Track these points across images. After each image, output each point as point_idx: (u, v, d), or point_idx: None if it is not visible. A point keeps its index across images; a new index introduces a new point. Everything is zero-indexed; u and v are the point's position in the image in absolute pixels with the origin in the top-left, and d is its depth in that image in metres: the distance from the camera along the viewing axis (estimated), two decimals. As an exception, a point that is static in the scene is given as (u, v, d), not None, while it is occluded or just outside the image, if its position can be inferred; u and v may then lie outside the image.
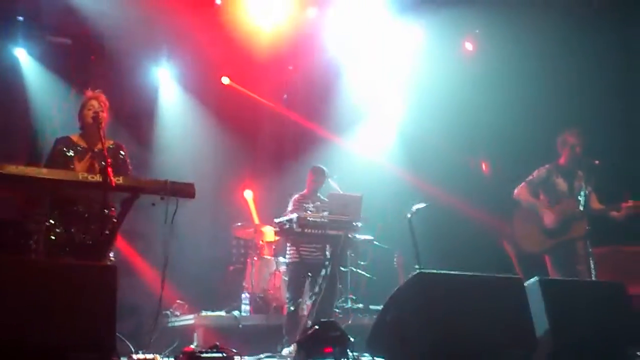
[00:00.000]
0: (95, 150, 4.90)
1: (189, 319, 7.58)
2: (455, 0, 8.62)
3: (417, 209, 6.15)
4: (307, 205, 6.69)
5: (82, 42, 8.71)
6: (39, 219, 4.88)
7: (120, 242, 6.63)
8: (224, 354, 4.35)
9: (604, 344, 4.39)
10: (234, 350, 4.52)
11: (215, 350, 4.37)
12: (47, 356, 3.16)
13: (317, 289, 6.17)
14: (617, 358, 4.47)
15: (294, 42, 9.21)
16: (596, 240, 6.07)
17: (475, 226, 8.91)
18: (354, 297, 8.27)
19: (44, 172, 4.22)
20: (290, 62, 10.06)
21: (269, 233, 8.46)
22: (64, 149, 4.90)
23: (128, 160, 5.10)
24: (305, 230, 6.02)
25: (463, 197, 9.17)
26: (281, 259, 7.91)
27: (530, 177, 6.50)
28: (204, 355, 4.31)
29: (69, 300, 3.30)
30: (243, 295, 8.11)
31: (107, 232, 4.48)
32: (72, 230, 4.74)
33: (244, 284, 8.32)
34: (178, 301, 8.04)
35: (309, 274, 6.71)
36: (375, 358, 4.42)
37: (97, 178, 4.23)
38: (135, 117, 9.08)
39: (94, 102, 4.98)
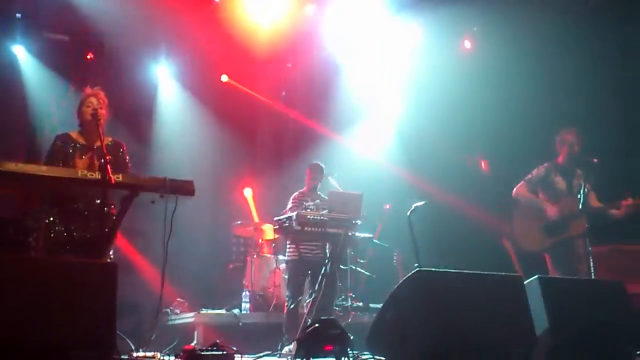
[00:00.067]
0: (95, 147, 4.90)
1: (189, 317, 7.59)
2: (453, -1, 8.62)
3: (416, 207, 6.13)
4: (306, 203, 6.69)
5: (80, 39, 8.70)
6: (39, 216, 4.88)
7: (120, 240, 6.63)
8: (224, 352, 4.35)
9: (603, 342, 4.40)
10: (234, 348, 4.52)
11: (215, 348, 4.37)
12: (47, 354, 3.15)
13: (317, 287, 6.16)
14: (616, 356, 4.48)
15: (293, 40, 9.20)
16: (596, 238, 6.07)
17: (474, 224, 8.91)
18: (353, 295, 8.27)
19: (43, 170, 4.22)
20: (289, 59, 10.06)
21: (268, 231, 8.46)
22: (64, 145, 4.89)
23: (127, 158, 5.09)
24: (305, 228, 6.01)
25: (462, 196, 9.17)
26: (281, 257, 7.90)
27: (529, 176, 6.50)
28: (204, 353, 4.31)
29: (69, 298, 3.29)
30: (243, 293, 8.11)
31: (106, 229, 4.47)
32: (72, 227, 4.73)
33: (243, 282, 8.33)
34: (178, 299, 8.04)
35: (309, 272, 6.71)
36: (375, 356, 4.42)
37: (97, 175, 4.23)
38: (134, 114, 9.08)
39: (93, 99, 4.97)
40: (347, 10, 9.16)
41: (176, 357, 4.61)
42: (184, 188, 4.47)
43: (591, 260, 5.84)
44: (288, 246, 6.93)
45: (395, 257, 8.60)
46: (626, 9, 7.78)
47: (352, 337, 4.52)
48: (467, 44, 9.73)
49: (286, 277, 7.25)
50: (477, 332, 4.00)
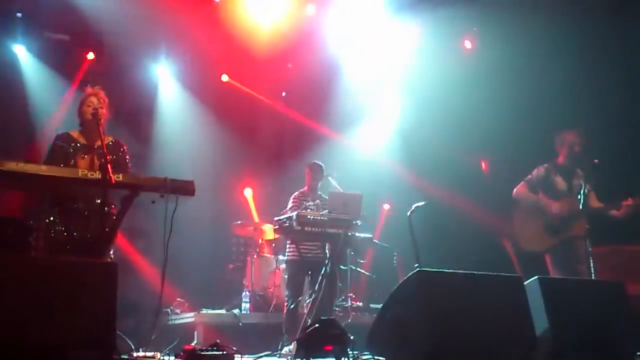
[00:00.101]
0: (95, 146, 4.90)
1: (189, 317, 7.59)
2: (453, -1, 8.63)
3: (417, 207, 6.13)
4: (307, 203, 6.69)
5: (81, 38, 8.70)
6: (39, 216, 4.88)
7: (120, 240, 6.64)
8: (224, 352, 4.35)
9: (603, 343, 4.39)
10: (234, 348, 4.52)
11: (215, 348, 4.37)
12: (47, 354, 3.15)
13: (316, 287, 6.16)
14: (616, 357, 4.47)
15: (293, 40, 9.20)
16: (596, 239, 6.07)
17: (474, 225, 8.91)
18: (353, 296, 8.27)
19: (43, 169, 4.21)
20: (289, 59, 10.05)
21: (268, 231, 8.46)
22: (64, 145, 4.89)
23: (128, 157, 5.09)
24: (305, 229, 6.01)
25: (462, 196, 9.17)
26: (281, 257, 7.91)
27: (529, 176, 6.50)
28: (204, 353, 4.31)
29: (69, 297, 3.29)
30: (243, 293, 8.11)
31: (107, 229, 4.47)
32: (72, 227, 4.74)
33: (244, 282, 8.33)
34: (178, 299, 8.04)
35: (309, 272, 6.71)
36: (375, 356, 4.42)
37: (97, 175, 4.23)
38: (135, 114, 9.08)
39: (93, 99, 4.98)
40: (348, 10, 9.16)
41: (176, 357, 4.61)
42: (184, 188, 4.47)
43: (591, 260, 5.83)
44: (288, 246, 6.93)
45: (395, 258, 8.60)
46: (629, 8, 7.78)
47: (352, 337, 4.52)
48: (468, 44, 9.74)
49: (286, 277, 7.25)
50: (477, 333, 4.00)
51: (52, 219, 4.75)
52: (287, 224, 6.12)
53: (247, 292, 8.10)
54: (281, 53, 9.43)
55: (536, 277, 4.47)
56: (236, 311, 7.85)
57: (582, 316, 4.40)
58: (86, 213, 4.76)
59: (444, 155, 9.40)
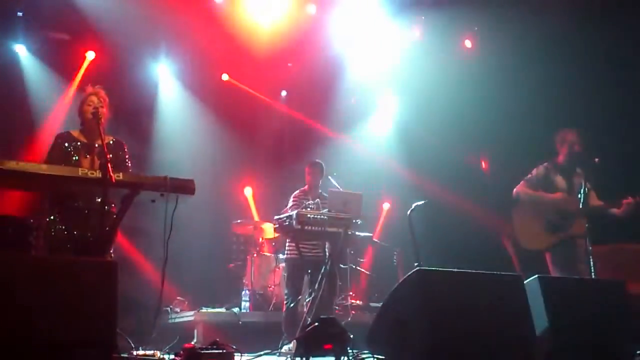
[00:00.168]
0: (96, 145, 4.90)
1: (189, 316, 7.59)
2: (453, -1, 8.63)
3: (416, 206, 6.13)
4: (307, 202, 6.70)
5: (81, 38, 8.70)
6: (39, 215, 4.88)
7: (120, 239, 6.63)
8: (224, 351, 4.35)
9: (603, 342, 4.39)
10: (234, 347, 4.52)
11: (215, 346, 4.37)
12: (47, 353, 3.16)
13: (316, 286, 6.16)
14: (616, 356, 4.47)
15: (293, 39, 9.21)
16: (596, 238, 6.06)
17: (474, 224, 8.92)
18: (353, 294, 8.28)
19: (44, 168, 4.22)
20: (289, 59, 10.06)
21: (268, 230, 8.47)
22: (65, 144, 4.89)
23: (128, 157, 5.10)
24: (305, 227, 6.01)
25: (463, 194, 9.17)
26: (281, 255, 7.91)
27: (529, 176, 6.49)
28: (204, 351, 4.31)
29: (69, 296, 3.29)
30: (243, 292, 8.12)
31: (107, 228, 4.47)
32: (72, 226, 4.74)
33: (243, 280, 8.34)
34: (178, 298, 8.06)
35: (309, 270, 6.72)
36: (375, 355, 4.42)
37: (97, 174, 4.23)
38: (135, 113, 9.09)
39: (94, 98, 4.98)
40: (348, 9, 9.16)
41: (176, 355, 4.60)
42: (184, 187, 4.47)
43: (591, 259, 5.83)
44: (287, 245, 6.93)
45: (395, 256, 8.60)
46: (630, 8, 7.77)
47: (351, 336, 4.52)
48: (468, 44, 9.74)
49: (286, 275, 7.25)
50: (477, 332, 4.00)
51: (52, 217, 4.76)
52: (287, 223, 6.13)
53: (247, 291, 8.11)
54: (281, 52, 9.43)
55: (536, 276, 4.47)
56: (236, 310, 7.85)
57: (582, 315, 4.39)
58: (86, 212, 4.77)
59: (444, 154, 9.40)
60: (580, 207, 6.05)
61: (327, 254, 6.46)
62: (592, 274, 5.78)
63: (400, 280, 4.23)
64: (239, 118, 9.93)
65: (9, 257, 3.41)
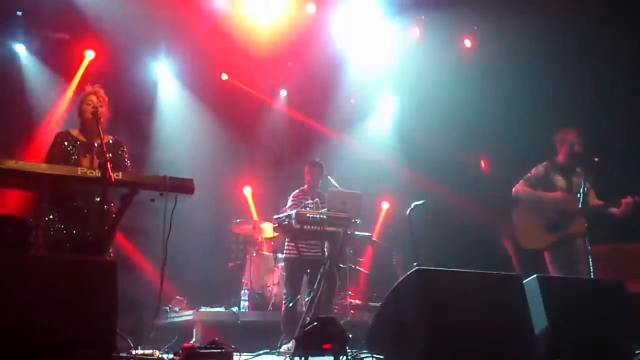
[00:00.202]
0: (95, 145, 4.90)
1: (188, 315, 7.59)
2: (453, -2, 8.63)
3: (416, 206, 6.13)
4: (306, 202, 6.69)
5: (81, 37, 8.70)
6: (39, 214, 4.88)
7: (119, 238, 6.64)
8: (223, 350, 4.34)
9: (603, 341, 4.39)
10: (233, 347, 4.52)
11: (213, 346, 4.36)
12: (46, 352, 3.15)
13: (315, 286, 6.16)
14: (616, 356, 4.47)
15: (293, 39, 9.20)
16: (596, 237, 6.07)
17: (474, 223, 8.92)
18: (352, 294, 8.28)
19: (43, 167, 4.22)
20: (289, 58, 10.05)
21: (267, 229, 8.47)
22: (64, 143, 4.89)
23: (127, 156, 5.09)
24: (304, 227, 6.01)
25: (462, 194, 9.18)
26: (280, 255, 7.91)
27: (528, 175, 6.48)
28: (203, 351, 4.31)
29: (69, 296, 3.28)
30: (242, 292, 8.12)
31: (106, 227, 4.47)
32: (72, 225, 4.74)
33: (242, 280, 8.33)
34: (177, 297, 8.06)
35: (308, 270, 6.72)
36: (373, 355, 4.42)
37: (96, 173, 4.23)
38: (134, 112, 9.08)
39: (93, 97, 4.98)
40: (347, 9, 9.17)
41: (175, 355, 4.60)
42: (183, 186, 4.47)
43: (590, 259, 5.83)
44: (286, 244, 6.93)
45: (394, 256, 8.61)
46: (626, 9, 7.78)
47: (350, 336, 4.52)
48: (467, 43, 9.74)
49: (285, 275, 7.25)
50: (476, 331, 3.99)
51: (51, 217, 4.76)
52: (286, 222, 6.12)
53: (246, 290, 8.11)
54: (281, 52, 9.43)
55: (535, 275, 4.47)
56: (235, 309, 7.85)
57: (582, 315, 4.39)
58: (86, 211, 4.76)
59: (443, 154, 9.41)
60: (580, 206, 6.05)
61: (326, 253, 6.46)
62: (592, 273, 5.78)
63: (399, 280, 4.22)
64: (238, 117, 9.94)
65: (8, 257, 3.41)
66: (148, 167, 8.31)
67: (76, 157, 4.84)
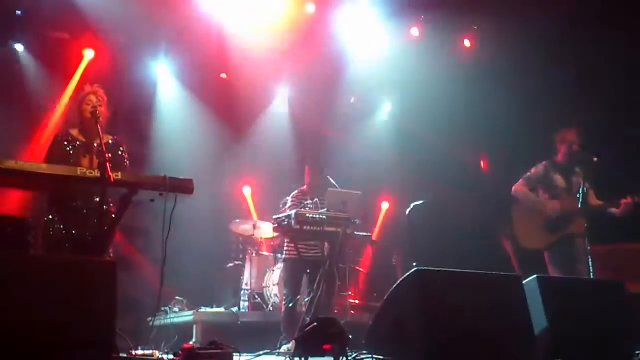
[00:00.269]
0: (94, 144, 4.89)
1: (187, 315, 7.59)
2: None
3: (415, 206, 6.13)
4: (305, 202, 6.69)
5: (80, 36, 8.69)
6: (38, 214, 4.87)
7: (119, 238, 6.63)
8: (222, 351, 4.34)
9: (602, 341, 4.39)
10: (233, 347, 4.52)
11: (213, 346, 4.36)
12: (45, 353, 3.15)
13: (315, 286, 6.16)
14: (615, 356, 4.47)
15: (293, 38, 9.19)
16: (595, 237, 6.07)
17: (473, 223, 8.92)
18: (352, 294, 8.27)
19: (42, 167, 4.21)
20: (288, 58, 10.04)
21: (267, 229, 8.46)
22: (64, 143, 4.89)
23: (126, 156, 5.09)
24: (304, 227, 6.00)
25: (462, 194, 9.17)
26: (279, 255, 7.90)
27: (528, 174, 6.49)
28: (203, 351, 4.31)
29: (68, 296, 3.28)
30: (241, 292, 8.11)
31: (105, 227, 4.47)
32: (71, 225, 4.74)
33: (242, 280, 8.33)
34: (177, 297, 8.04)
35: (307, 270, 6.71)
36: (373, 355, 4.42)
37: (96, 173, 4.23)
38: (134, 112, 9.07)
39: (92, 97, 4.97)
40: (347, 8, 9.16)
41: (175, 355, 4.60)
42: (183, 186, 4.47)
43: (590, 258, 5.83)
44: (286, 244, 6.93)
45: (393, 256, 8.60)
46: (626, 9, 7.78)
47: (350, 336, 4.51)
48: (467, 43, 9.74)
49: (284, 275, 7.25)
50: (475, 331, 3.99)
51: (50, 217, 4.76)
52: (285, 223, 6.12)
53: (246, 291, 8.10)
54: (280, 51, 9.42)
55: (535, 275, 4.47)
56: (235, 309, 7.85)
57: (581, 315, 4.39)
58: (85, 211, 4.76)
59: (443, 154, 9.40)
60: (579, 206, 6.05)
61: (325, 253, 6.45)
62: (591, 273, 5.79)
63: (399, 280, 4.22)
64: (237, 117, 9.92)
65: (7, 257, 3.40)
66: (147, 166, 8.30)
67: (76, 157, 4.83)
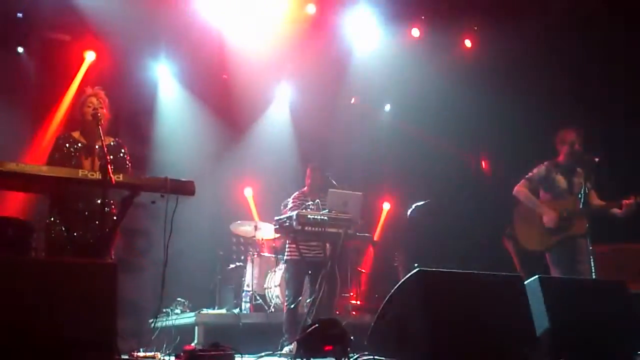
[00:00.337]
0: (96, 147, 4.90)
1: (189, 317, 7.59)
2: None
3: (417, 207, 6.13)
4: (307, 203, 6.69)
5: (81, 38, 8.70)
6: (39, 216, 4.87)
7: (120, 240, 6.63)
8: (224, 352, 4.34)
9: (604, 342, 4.39)
10: (234, 348, 4.52)
11: (215, 348, 4.36)
12: (47, 354, 3.15)
13: (317, 287, 6.16)
14: (617, 357, 4.46)
15: (294, 39, 9.20)
16: (597, 238, 6.06)
17: (475, 224, 8.91)
18: (353, 295, 8.27)
19: (44, 170, 4.22)
20: (289, 58, 10.04)
21: (269, 231, 8.45)
22: (65, 145, 4.89)
23: (128, 158, 5.09)
24: (305, 228, 6.00)
25: (463, 195, 9.17)
26: (281, 256, 7.91)
27: (530, 174, 6.48)
28: (205, 353, 4.31)
29: (70, 298, 3.28)
30: (243, 293, 8.11)
31: (107, 229, 4.47)
32: (72, 227, 4.73)
33: (244, 281, 8.33)
34: (178, 299, 8.04)
35: (309, 271, 6.71)
36: (375, 356, 4.42)
37: (97, 175, 4.23)
38: (135, 113, 9.07)
39: (93, 99, 4.97)
40: (348, 9, 9.17)
41: (176, 356, 4.61)
42: (184, 188, 4.47)
43: (592, 259, 5.82)
44: (288, 246, 6.93)
45: (395, 257, 8.60)
46: (631, 7, 7.78)
47: (352, 337, 4.51)
48: (468, 43, 9.74)
49: (286, 276, 7.25)
50: (477, 332, 3.99)
51: (52, 219, 4.76)
52: (287, 224, 6.11)
53: (247, 292, 8.10)
54: (281, 52, 9.42)
55: (537, 276, 4.46)
56: (236, 311, 7.85)
57: (583, 316, 4.39)
58: (86, 213, 4.76)
59: (444, 154, 9.40)
60: (581, 207, 6.04)
61: (327, 254, 6.45)
62: (593, 274, 5.78)
63: (400, 281, 4.22)
64: (238, 118, 9.92)
65: (9, 259, 3.41)
66: (149, 168, 8.31)
67: (77, 159, 4.83)
